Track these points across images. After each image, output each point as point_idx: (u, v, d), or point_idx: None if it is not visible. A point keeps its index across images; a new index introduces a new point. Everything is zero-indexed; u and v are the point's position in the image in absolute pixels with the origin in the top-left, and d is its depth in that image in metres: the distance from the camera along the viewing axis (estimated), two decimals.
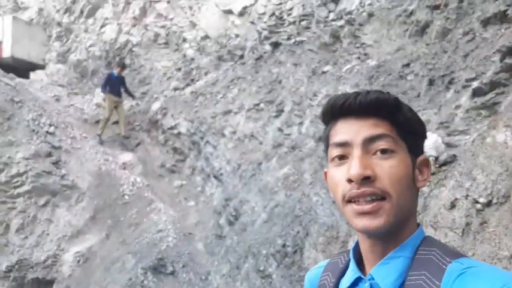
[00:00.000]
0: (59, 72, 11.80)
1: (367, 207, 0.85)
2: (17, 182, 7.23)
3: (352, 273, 0.97)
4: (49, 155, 7.58)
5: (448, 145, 3.38)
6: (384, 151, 0.87)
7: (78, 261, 6.36)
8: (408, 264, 0.89)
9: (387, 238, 0.90)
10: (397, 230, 0.89)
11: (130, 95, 9.04)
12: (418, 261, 0.89)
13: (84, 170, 7.62)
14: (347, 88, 4.68)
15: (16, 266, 6.57)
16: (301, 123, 5.18)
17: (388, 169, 0.86)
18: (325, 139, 0.98)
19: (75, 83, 11.55)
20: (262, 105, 6.35)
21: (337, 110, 0.92)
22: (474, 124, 3.33)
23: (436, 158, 3.26)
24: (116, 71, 8.86)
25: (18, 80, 9.55)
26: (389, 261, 0.91)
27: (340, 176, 0.89)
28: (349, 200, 0.87)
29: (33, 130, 7.84)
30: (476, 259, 0.92)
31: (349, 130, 0.90)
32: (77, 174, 7.52)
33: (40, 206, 7.15)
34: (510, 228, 2.53)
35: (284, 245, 3.59)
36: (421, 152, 0.95)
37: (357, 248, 1.02)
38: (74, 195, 7.26)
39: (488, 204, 2.74)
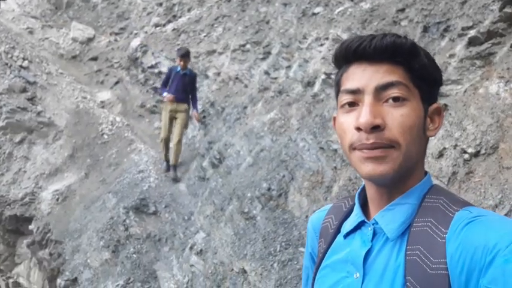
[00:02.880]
0: (32, 2, 11.11)
1: (374, 152, 0.83)
2: None
3: (356, 217, 0.96)
4: (24, 90, 7.28)
5: (440, 94, 3.34)
6: (396, 99, 0.84)
7: (57, 199, 6.31)
8: (413, 211, 0.88)
9: (393, 185, 0.88)
10: (404, 177, 0.87)
11: (195, 103, 5.98)
12: (425, 209, 0.87)
13: (61, 107, 7.37)
14: (338, 31, 4.53)
15: None
16: (289, 67, 5.04)
17: (399, 118, 0.83)
18: (336, 84, 0.95)
19: (49, 15, 10.92)
20: (248, 46, 6.14)
21: (350, 54, 0.88)
22: (467, 74, 3.28)
23: None
24: (179, 65, 5.87)
25: None
26: (394, 207, 0.89)
27: (349, 124, 0.87)
28: (356, 148, 0.86)
29: (6, 64, 7.46)
30: None
31: (361, 76, 0.87)
32: (53, 112, 7.28)
33: (16, 143, 6.95)
34: (496, 179, 2.56)
35: (269, 189, 3.59)
36: (435, 100, 0.92)
37: (362, 193, 1.01)
38: (51, 133, 7.07)
39: (476, 154, 2.75)
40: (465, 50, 3.38)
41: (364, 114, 0.82)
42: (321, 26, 4.88)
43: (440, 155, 2.87)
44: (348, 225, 0.98)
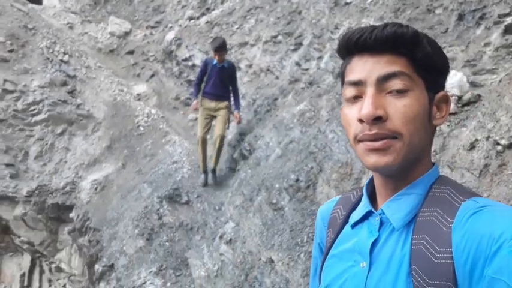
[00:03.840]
0: None
1: (377, 143, 0.83)
2: (33, 110, 7.30)
3: (363, 207, 0.98)
4: (64, 83, 7.57)
5: (473, 84, 3.24)
6: (399, 90, 0.84)
7: (96, 189, 6.56)
8: (420, 201, 0.89)
9: (399, 176, 0.89)
10: (409, 168, 0.88)
11: (237, 100, 5.47)
12: (431, 199, 0.88)
13: (99, 100, 7.63)
14: (371, 21, 4.45)
15: (36, 192, 6.81)
16: (320, 58, 5.01)
17: (401, 108, 0.83)
18: (341, 75, 0.96)
19: (88, 10, 11.27)
20: (280, 37, 6.14)
21: (352, 46, 0.88)
22: (503, 63, 3.17)
23: (459, 98, 3.15)
24: (215, 58, 5.33)
25: (31, 5, 9.33)
26: (400, 197, 0.90)
27: (353, 115, 0.87)
28: (360, 140, 0.86)
29: (48, 58, 7.77)
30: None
31: (363, 68, 0.86)
32: (92, 104, 7.55)
33: (57, 135, 7.26)
34: None
35: (297, 180, 3.61)
36: (441, 88, 0.91)
37: (370, 183, 1.02)
38: (90, 125, 7.34)
39: (510, 146, 2.67)
40: (501, 38, 3.25)
41: (365, 106, 0.82)
42: (353, 15, 4.81)
43: (472, 146, 2.79)
44: (355, 216, 1.00)
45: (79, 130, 7.33)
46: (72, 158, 7.10)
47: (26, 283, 7.12)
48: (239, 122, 5.37)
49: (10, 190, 6.99)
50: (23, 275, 7.16)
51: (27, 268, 7.19)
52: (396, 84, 0.84)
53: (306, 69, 5.13)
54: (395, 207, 0.90)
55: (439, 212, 0.84)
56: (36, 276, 7.21)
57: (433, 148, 3.04)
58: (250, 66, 6.48)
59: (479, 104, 3.03)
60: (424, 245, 0.82)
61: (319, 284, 1.06)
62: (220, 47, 5.23)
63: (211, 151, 5.37)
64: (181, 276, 4.09)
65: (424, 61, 0.87)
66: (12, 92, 7.33)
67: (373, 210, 0.95)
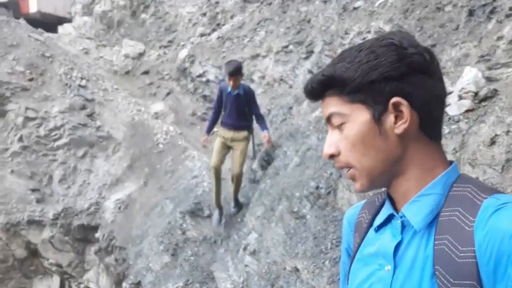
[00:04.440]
0: (86, 24, 11.81)
1: (348, 176, 0.92)
2: (55, 135, 7.49)
3: (386, 210, 0.97)
4: (83, 107, 7.76)
5: (489, 79, 3.21)
6: (337, 126, 0.90)
7: (119, 208, 6.65)
8: (439, 201, 0.88)
9: (393, 188, 0.92)
10: (395, 180, 0.90)
11: (263, 123, 4.89)
12: (452, 198, 0.87)
13: (118, 121, 7.78)
14: (380, 24, 4.46)
15: (62, 214, 6.95)
16: None
17: (343, 142, 0.90)
18: None
19: (102, 34, 11.55)
20: (291, 46, 6.18)
21: (309, 98, 0.97)
22: None
23: (476, 94, 3.11)
24: (229, 84, 4.81)
25: (47, 34, 9.63)
26: (420, 198, 0.90)
27: None
28: None
29: (66, 84, 7.99)
30: None
31: (322, 111, 0.96)
32: (111, 126, 7.70)
33: (79, 157, 7.42)
34: None
35: (317, 187, 3.60)
36: (393, 94, 0.87)
37: None
38: (111, 146, 7.48)
39: None
40: None
41: (325, 145, 0.92)
42: (362, 19, 4.83)
43: (492, 142, 2.75)
44: (378, 219, 1.00)
45: (100, 152, 7.47)
46: (95, 179, 7.23)
47: None
48: (269, 142, 4.80)
49: (37, 214, 7.16)
50: None
51: None
52: (335, 122, 0.90)
53: None
54: (415, 209, 0.90)
55: (461, 211, 0.84)
56: None
57: (452, 146, 3.01)
58: (263, 77, 6.53)
59: (496, 98, 2.99)
60: (446, 245, 0.82)
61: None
62: (235, 71, 4.68)
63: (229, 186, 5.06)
64: None
65: (348, 89, 0.89)
66: (34, 119, 7.55)
67: (394, 213, 0.95)
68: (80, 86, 8.14)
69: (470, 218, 0.81)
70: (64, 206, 7.04)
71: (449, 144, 2.92)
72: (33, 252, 7.36)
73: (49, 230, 7.07)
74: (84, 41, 10.48)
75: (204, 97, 7.87)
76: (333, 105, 0.90)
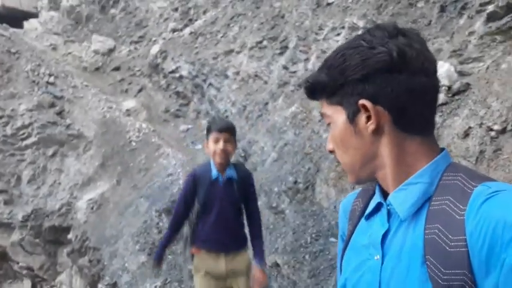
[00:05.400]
0: (53, 19, 11.43)
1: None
2: (23, 134, 7.23)
3: (375, 198, 0.99)
4: (52, 105, 7.52)
5: (461, 74, 3.29)
6: (328, 125, 0.98)
7: (92, 208, 6.50)
8: (426, 189, 0.88)
9: (380, 179, 0.94)
10: (378, 173, 0.93)
11: (259, 244, 2.89)
12: (443, 187, 0.86)
13: (88, 118, 7.58)
14: (354, 19, 4.50)
15: (32, 216, 6.73)
16: (307, 60, 5.05)
17: (331, 140, 0.98)
18: None
19: (70, 30, 11.21)
20: (265, 42, 6.17)
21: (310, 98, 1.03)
22: (488, 50, 3.22)
23: (449, 88, 3.19)
24: (215, 164, 2.82)
25: (12, 30, 9.27)
26: (406, 187, 0.90)
27: None
28: None
29: (34, 81, 7.72)
30: None
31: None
32: (82, 123, 7.50)
33: (49, 157, 7.19)
34: None
35: (295, 182, 3.61)
36: (360, 96, 0.89)
37: None
38: (81, 144, 7.28)
39: (503, 131, 2.70)
40: (484, 26, 3.30)
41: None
42: (336, 15, 4.86)
43: (466, 134, 2.83)
44: (369, 208, 1.01)
45: (71, 150, 7.27)
46: (66, 179, 7.03)
47: None
48: (262, 284, 2.84)
49: (5, 216, 6.90)
50: None
51: None
52: (326, 121, 0.98)
53: (294, 72, 5.16)
54: (401, 198, 0.90)
55: (451, 200, 0.83)
56: None
57: None
58: (237, 73, 6.50)
59: (469, 92, 3.07)
60: (437, 234, 0.81)
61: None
62: (229, 128, 2.82)
63: None
64: None
65: (328, 91, 0.95)
66: (0, 117, 7.26)
67: (382, 201, 0.95)
68: (48, 83, 7.88)
69: (461, 207, 0.80)
70: (34, 207, 6.81)
71: None
72: (2, 256, 7.10)
73: (18, 233, 6.83)
74: (51, 37, 10.15)
75: (177, 93, 7.77)
76: (324, 106, 0.97)
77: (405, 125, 0.89)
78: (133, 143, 7.25)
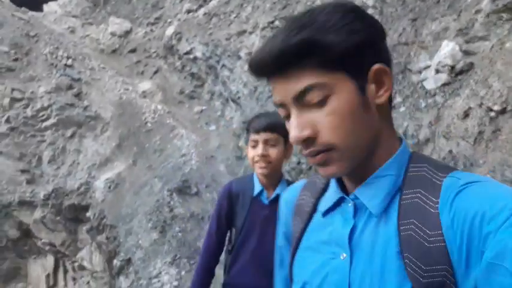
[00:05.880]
0: (71, 2, 11.58)
1: (316, 159, 0.80)
2: (43, 115, 7.46)
3: (334, 193, 0.90)
4: (70, 87, 7.71)
5: (466, 53, 3.24)
6: (318, 102, 0.77)
7: (109, 187, 6.70)
8: (395, 182, 0.82)
9: (359, 168, 0.82)
10: (368, 157, 0.82)
11: None
12: (411, 179, 0.81)
13: (105, 100, 7.75)
14: None
15: (52, 194, 6.99)
16: None
17: (326, 119, 0.77)
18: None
19: (89, 12, 11.35)
20: (277, 22, 6.15)
21: (258, 73, 0.82)
22: (494, 29, 3.15)
23: (452, 67, 3.15)
24: (258, 175, 2.06)
25: (31, 13, 9.46)
26: (374, 180, 0.83)
27: None
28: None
29: (52, 64, 7.91)
30: (486, 167, 0.90)
31: (278, 91, 0.80)
32: (99, 105, 7.68)
33: (68, 138, 7.42)
34: None
35: (299, 163, 3.66)
36: (375, 60, 0.80)
37: None
38: (99, 126, 7.47)
39: (503, 111, 2.68)
40: (491, 4, 3.23)
41: (291, 129, 0.79)
42: None
43: (466, 115, 2.81)
44: (324, 203, 0.93)
45: (88, 131, 7.47)
46: (84, 160, 7.25)
47: (51, 283, 7.35)
48: None
49: (28, 195, 7.19)
50: (48, 276, 7.38)
51: (51, 268, 7.41)
52: (312, 97, 0.77)
53: None
54: (371, 192, 0.83)
55: (422, 192, 0.78)
56: (60, 275, 7.43)
57: (428, 120, 3.05)
58: (249, 54, 6.50)
59: (472, 72, 3.03)
60: (413, 230, 0.75)
61: (290, 277, 0.97)
62: (269, 127, 2.01)
63: None
64: (195, 265, 4.21)
65: (330, 53, 0.76)
66: (20, 100, 7.50)
67: (344, 196, 0.88)
68: (66, 65, 8.06)
69: (434, 200, 0.76)
70: (54, 187, 7.07)
71: (425, 117, 2.96)
72: (26, 233, 7.43)
73: (40, 211, 7.12)
74: (69, 20, 10.31)
75: (192, 75, 7.84)
76: (310, 77, 0.77)
77: (390, 104, 0.84)
78: (149, 124, 7.40)
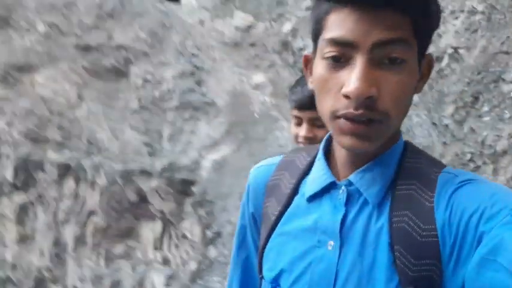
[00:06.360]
0: None
1: (362, 129, 0.72)
2: (167, 97, 8.42)
3: (323, 177, 0.85)
4: (192, 74, 8.56)
5: None
6: (393, 60, 0.71)
7: (214, 167, 7.36)
8: (392, 172, 0.81)
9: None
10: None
11: None
12: (406, 170, 0.80)
13: (221, 89, 8.45)
14: (474, 3, 4.24)
15: (167, 167, 7.90)
16: None
17: (395, 86, 0.71)
18: (317, 21, 0.77)
19: (219, 6, 12.24)
20: None
21: None
22: None
23: None
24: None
25: (169, 5, 10.62)
26: (373, 167, 0.80)
27: (335, 84, 0.73)
28: (340, 116, 0.74)
29: (180, 52, 8.84)
30: None
31: (355, 27, 0.69)
32: (215, 93, 8.40)
33: (185, 119, 8.28)
34: None
35: None
36: (428, 46, 0.78)
37: (327, 147, 0.91)
38: (212, 111, 8.19)
39: None
40: None
41: (356, 81, 0.68)
42: None
43: None
44: (311, 187, 0.87)
45: (203, 115, 8.24)
46: (197, 140, 8.04)
47: (158, 246, 8.33)
48: None
49: (147, 165, 8.22)
50: (155, 239, 8.37)
51: (159, 233, 8.38)
52: (394, 52, 0.70)
53: None
54: (369, 179, 0.79)
55: (418, 185, 0.77)
56: (166, 240, 8.37)
57: (509, 131, 2.91)
58: None
59: None
60: (406, 222, 0.73)
61: (260, 262, 0.90)
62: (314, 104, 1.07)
63: None
64: None
65: (428, 24, 0.74)
66: (150, 82, 8.56)
67: (336, 181, 0.84)
68: (192, 54, 8.94)
69: (429, 193, 0.75)
70: (169, 161, 7.97)
71: (506, 129, 2.84)
72: (143, 198, 8.49)
73: (156, 181, 8.09)
74: (201, 12, 11.28)
75: (302, 71, 8.12)
76: (406, 30, 0.69)
77: None
78: (256, 115, 7.89)
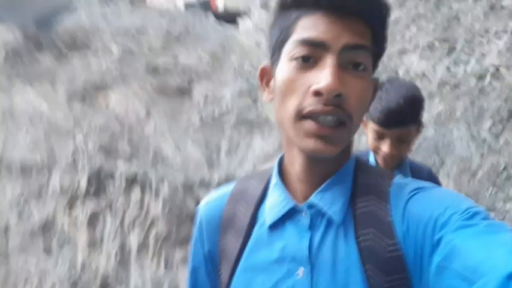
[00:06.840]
0: (262, 18, 13.33)
1: (327, 131, 0.71)
2: (226, 114, 9.06)
3: (283, 202, 0.81)
4: (249, 93, 9.16)
5: None
6: (357, 65, 0.72)
7: None
8: (350, 190, 0.79)
9: (330, 160, 0.78)
10: (336, 157, 0.78)
11: None
12: (361, 186, 0.79)
13: (272, 107, 8.96)
14: None
15: (224, 179, 8.45)
16: (468, 62, 5.15)
17: (359, 90, 0.72)
18: (285, 28, 0.75)
19: None
20: (436, 43, 6.37)
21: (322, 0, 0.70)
22: None
23: None
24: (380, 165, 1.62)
25: (228, 28, 11.39)
26: (331, 186, 0.78)
27: (301, 85, 0.72)
28: (306, 116, 0.72)
29: (238, 72, 9.49)
30: None
31: (328, 29, 0.70)
32: (269, 111, 8.92)
33: (242, 135, 8.85)
34: None
35: None
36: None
37: (280, 169, 0.88)
38: (267, 127, 8.71)
39: None
40: None
41: (329, 77, 0.68)
42: (503, 18, 4.83)
43: None
44: (271, 214, 0.82)
45: (258, 131, 8.77)
46: (252, 154, 8.56)
47: None
48: None
49: (206, 177, 8.83)
50: None
51: None
52: (358, 58, 0.72)
53: (454, 74, 5.31)
54: (330, 198, 0.77)
55: (375, 200, 0.76)
56: None
57: None
58: (407, 72, 6.84)
59: None
60: (373, 239, 0.72)
61: None
62: (404, 123, 1.55)
63: None
64: None
65: (383, 39, 0.78)
66: (211, 100, 9.25)
67: (297, 205, 0.80)
68: (249, 74, 9.57)
69: (386, 207, 0.74)
70: (226, 173, 8.53)
71: None
72: None
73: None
74: (257, 34, 11.97)
75: None
76: (369, 39, 0.73)
77: None
78: None
